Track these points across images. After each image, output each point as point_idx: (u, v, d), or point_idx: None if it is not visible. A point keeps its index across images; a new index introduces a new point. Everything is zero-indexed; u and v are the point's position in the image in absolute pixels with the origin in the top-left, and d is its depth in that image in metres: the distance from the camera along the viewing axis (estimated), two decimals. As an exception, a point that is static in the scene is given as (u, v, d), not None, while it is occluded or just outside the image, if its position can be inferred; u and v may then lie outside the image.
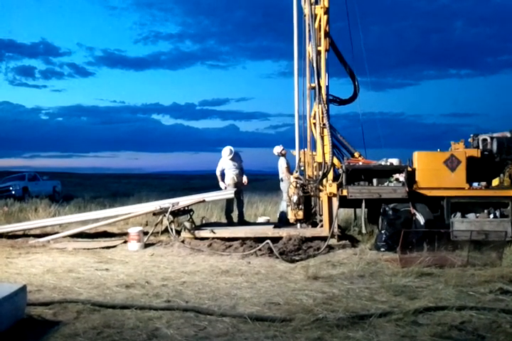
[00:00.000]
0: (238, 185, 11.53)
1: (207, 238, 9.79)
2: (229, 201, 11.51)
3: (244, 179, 11.67)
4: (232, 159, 11.52)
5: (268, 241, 8.90)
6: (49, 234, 10.74)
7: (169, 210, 9.93)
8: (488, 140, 10.06)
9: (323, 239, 9.51)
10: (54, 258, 8.62)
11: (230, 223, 11.53)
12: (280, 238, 9.55)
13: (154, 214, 10.33)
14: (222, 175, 11.59)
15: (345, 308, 5.58)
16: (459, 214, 9.42)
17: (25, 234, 11.09)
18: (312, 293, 6.32)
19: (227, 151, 11.54)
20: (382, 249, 9.07)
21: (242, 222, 11.68)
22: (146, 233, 10.22)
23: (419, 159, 9.60)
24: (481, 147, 10.13)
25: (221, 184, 11.58)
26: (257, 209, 15.06)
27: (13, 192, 24.02)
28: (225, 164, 11.52)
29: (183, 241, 9.66)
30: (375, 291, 6.36)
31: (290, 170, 11.26)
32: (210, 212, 14.35)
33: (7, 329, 4.72)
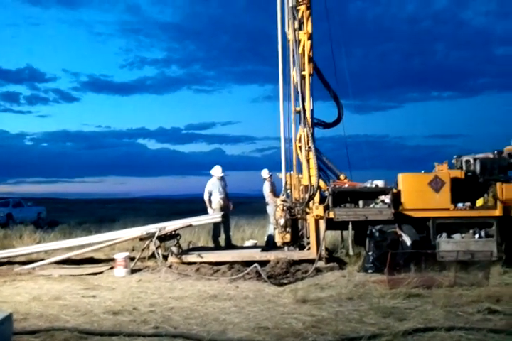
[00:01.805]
0: (225, 209, 11.53)
1: (194, 262, 9.72)
2: (216, 225, 11.49)
3: (230, 204, 11.69)
4: (221, 179, 11.57)
5: (256, 264, 8.88)
6: (34, 261, 10.59)
7: (156, 235, 9.87)
8: (472, 161, 10.23)
9: (311, 261, 9.51)
10: (40, 286, 8.51)
11: (217, 247, 11.48)
12: (268, 261, 9.54)
13: (141, 239, 10.26)
14: (210, 200, 11.57)
15: (334, 331, 5.58)
16: (444, 235, 9.50)
17: (10, 262, 10.93)
18: (301, 316, 6.31)
19: (219, 169, 11.60)
20: (370, 271, 9.09)
21: (230, 245, 11.65)
22: (132, 258, 10.15)
23: (404, 181, 9.72)
24: (464, 168, 10.29)
25: (209, 209, 11.55)
26: (244, 233, 15.02)
27: (-2, 219, 23.68)
28: (213, 186, 11.52)
29: (170, 266, 9.59)
30: (364, 313, 6.37)
31: (276, 193, 11.32)
32: (197, 237, 14.27)
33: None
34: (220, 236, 11.79)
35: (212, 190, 11.55)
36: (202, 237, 14.30)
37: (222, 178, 11.67)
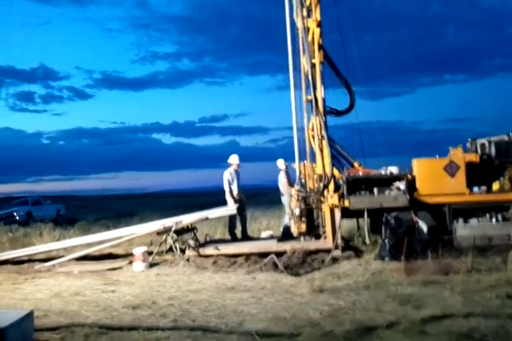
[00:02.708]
0: (240, 201, 11.55)
1: (211, 255, 9.78)
2: (232, 217, 11.52)
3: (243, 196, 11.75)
4: (236, 170, 11.60)
5: (272, 255, 8.91)
6: (54, 258, 10.72)
7: (173, 229, 9.94)
8: (487, 144, 10.10)
9: (328, 251, 9.51)
10: (60, 282, 8.63)
11: (233, 239, 11.53)
12: (284, 252, 9.54)
13: (158, 233, 10.34)
14: (231, 189, 11.48)
15: (352, 320, 5.58)
16: (461, 220, 9.41)
17: (30, 260, 11.09)
18: (318, 306, 6.33)
19: (236, 157, 11.63)
20: (387, 259, 9.07)
21: (246, 237, 11.69)
22: (150, 253, 10.24)
23: (419, 166, 9.63)
24: (479, 151, 10.16)
25: (230, 199, 11.41)
26: (260, 224, 15.02)
27: (17, 218, 24.01)
28: (232, 175, 11.52)
29: (187, 260, 9.66)
30: (381, 302, 6.36)
31: (291, 183, 11.29)
32: (214, 229, 14.33)
33: (15, 356, 4.72)
34: (237, 228, 11.83)
35: (232, 179, 11.55)
36: (219, 230, 14.36)
37: (237, 170, 11.70)
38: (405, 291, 6.82)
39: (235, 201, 11.36)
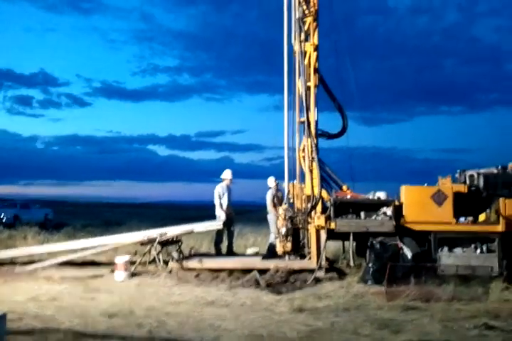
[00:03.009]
0: (230, 216, 11.56)
1: (194, 269, 9.74)
2: (219, 232, 11.51)
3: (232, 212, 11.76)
4: (228, 186, 11.65)
5: (255, 272, 8.89)
6: (36, 262, 10.65)
7: (157, 240, 9.91)
8: (475, 175, 10.18)
9: (311, 271, 9.50)
10: (39, 286, 8.57)
11: (218, 254, 11.50)
12: (268, 270, 9.52)
13: (142, 244, 10.30)
14: (221, 203, 11.52)
15: (327, 342, 5.57)
16: (446, 249, 9.44)
17: (12, 262, 11.00)
18: (296, 325, 6.31)
19: (229, 172, 11.70)
20: (370, 282, 9.05)
21: (231, 253, 11.66)
22: (133, 262, 10.18)
23: (407, 193, 9.68)
24: (468, 182, 10.24)
25: (220, 212, 11.44)
26: (246, 241, 14.98)
27: (4, 220, 23.85)
28: (223, 190, 11.58)
29: (170, 272, 9.62)
30: (360, 325, 6.35)
31: (281, 201, 11.31)
32: (200, 243, 14.26)
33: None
34: (223, 242, 11.80)
35: (223, 193, 11.59)
36: (205, 244, 14.31)
37: (229, 185, 11.74)
38: (385, 315, 6.82)
39: (226, 216, 11.39)
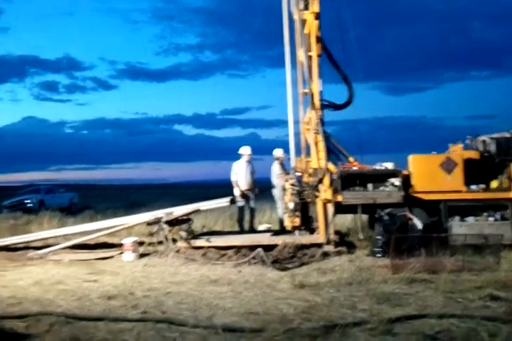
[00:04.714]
0: (247, 193, 11.52)
1: (202, 247, 9.70)
2: (240, 209, 11.60)
3: (256, 189, 11.71)
4: (248, 162, 11.54)
5: (259, 249, 8.78)
6: (50, 246, 10.77)
7: (162, 220, 9.89)
8: (487, 141, 9.82)
9: (320, 245, 9.36)
10: (46, 271, 8.64)
11: (241, 230, 11.53)
12: (276, 245, 9.41)
13: (148, 224, 10.31)
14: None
15: (323, 317, 5.46)
16: (457, 218, 9.18)
17: (26, 247, 11.16)
18: (295, 301, 6.20)
19: (247, 149, 11.63)
20: (378, 255, 8.89)
21: (252, 229, 11.64)
22: (142, 243, 10.21)
23: (415, 162, 9.41)
24: (480, 148, 9.89)
25: (236, 190, 11.53)
26: (262, 217, 14.90)
27: (29, 205, 24.29)
28: (240, 167, 11.52)
29: (177, 251, 9.59)
30: (360, 299, 6.21)
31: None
32: (215, 221, 14.27)
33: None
34: (244, 219, 11.78)
35: (238, 172, 11.55)
36: (220, 221, 14.31)
37: (249, 161, 11.66)
38: (387, 289, 6.64)
39: (241, 192, 11.33)
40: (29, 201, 24.89)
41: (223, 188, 11.59)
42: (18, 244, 11.16)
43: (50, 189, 27.88)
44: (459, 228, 9.08)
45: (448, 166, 9.16)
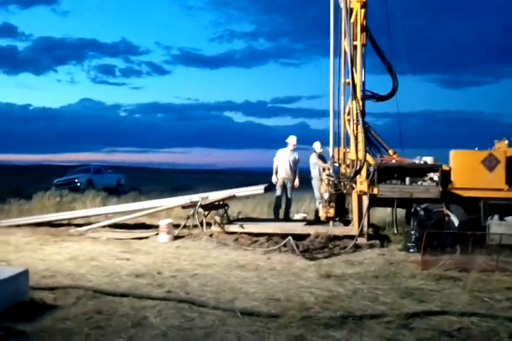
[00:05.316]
0: (287, 181, 11.57)
1: (235, 232, 9.83)
2: (278, 197, 11.66)
3: (296, 181, 11.73)
4: (292, 151, 11.61)
5: (290, 237, 8.81)
6: (91, 224, 11.16)
7: (198, 204, 10.05)
8: (535, 139, 9.44)
9: (353, 237, 9.30)
10: (83, 247, 8.98)
11: (276, 218, 11.60)
12: (308, 235, 9.43)
13: (183, 207, 10.51)
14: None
15: (342, 308, 5.46)
16: (496, 217, 8.91)
17: (68, 223, 11.60)
18: (318, 291, 6.21)
19: (293, 138, 11.69)
20: (412, 250, 8.75)
21: (286, 218, 11.71)
22: (178, 225, 10.44)
23: (455, 158, 9.17)
24: (527, 146, 9.52)
25: (274, 177, 11.67)
26: (300, 207, 14.89)
27: (79, 184, 25.09)
28: (282, 156, 11.62)
29: (211, 235, 9.76)
30: (383, 292, 6.16)
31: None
32: (253, 207, 14.38)
33: (4, 310, 4.95)
34: (281, 207, 11.84)
35: (280, 160, 11.63)
36: (258, 209, 14.40)
37: (293, 151, 11.71)
38: (413, 284, 6.56)
39: (277, 179, 11.50)
40: (78, 180, 25.69)
41: (270, 176, 11.72)
42: (62, 220, 11.62)
43: (99, 169, 28.72)
44: (498, 227, 8.80)
45: (490, 163, 8.88)
